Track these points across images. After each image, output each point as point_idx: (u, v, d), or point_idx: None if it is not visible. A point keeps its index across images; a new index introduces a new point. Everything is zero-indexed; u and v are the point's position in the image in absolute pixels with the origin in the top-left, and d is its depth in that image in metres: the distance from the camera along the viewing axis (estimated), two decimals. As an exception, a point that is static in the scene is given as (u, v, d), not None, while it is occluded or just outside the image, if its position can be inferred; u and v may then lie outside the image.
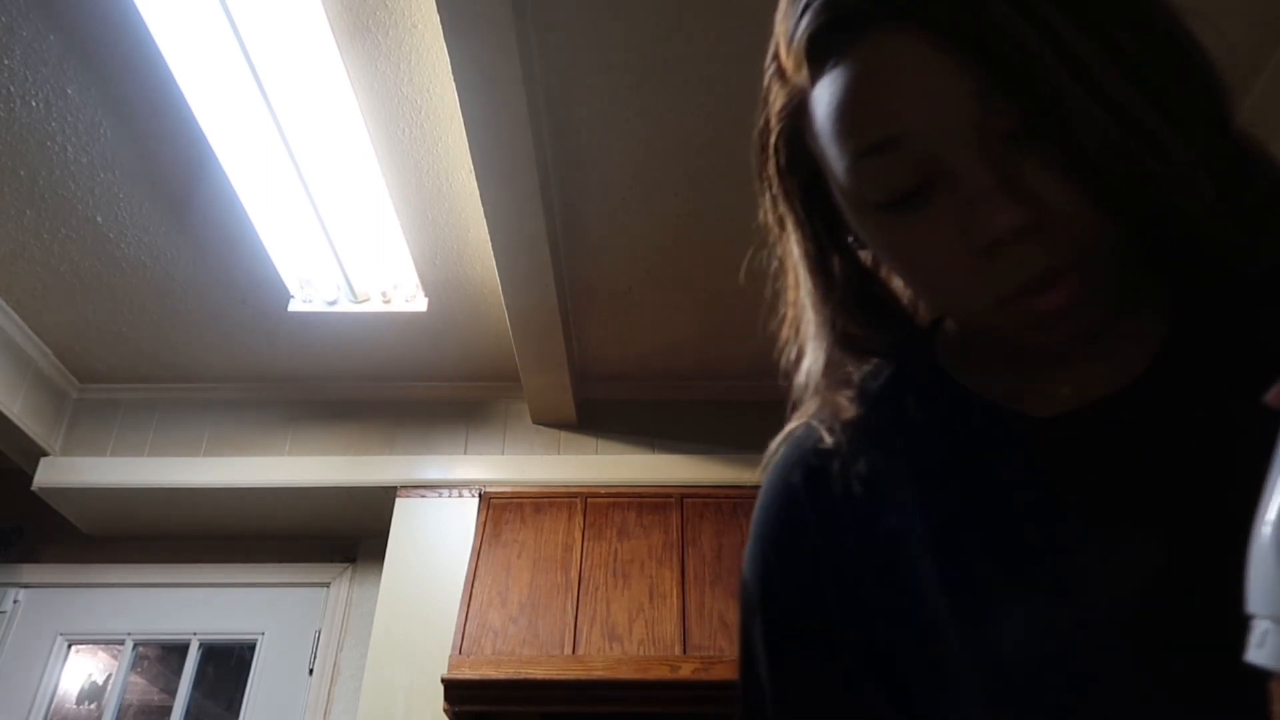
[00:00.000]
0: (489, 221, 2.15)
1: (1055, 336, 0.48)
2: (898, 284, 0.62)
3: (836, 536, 0.60)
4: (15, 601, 2.92)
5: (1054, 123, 0.43)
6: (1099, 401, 0.52)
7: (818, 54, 0.48)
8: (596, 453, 2.82)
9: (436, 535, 2.66)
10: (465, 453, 2.83)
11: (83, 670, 2.93)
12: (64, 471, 2.81)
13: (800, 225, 0.58)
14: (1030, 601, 0.49)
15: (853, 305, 0.59)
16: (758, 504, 0.66)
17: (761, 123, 0.56)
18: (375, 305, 2.58)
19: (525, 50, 1.80)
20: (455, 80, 1.82)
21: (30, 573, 2.97)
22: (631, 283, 2.51)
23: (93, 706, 2.86)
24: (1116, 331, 0.52)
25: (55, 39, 1.89)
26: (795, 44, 0.49)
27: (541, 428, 2.87)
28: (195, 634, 2.87)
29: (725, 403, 2.81)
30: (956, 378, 0.59)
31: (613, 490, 2.69)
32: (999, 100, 0.44)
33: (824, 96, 0.49)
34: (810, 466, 0.62)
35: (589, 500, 2.67)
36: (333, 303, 2.56)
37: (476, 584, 2.52)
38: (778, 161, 0.55)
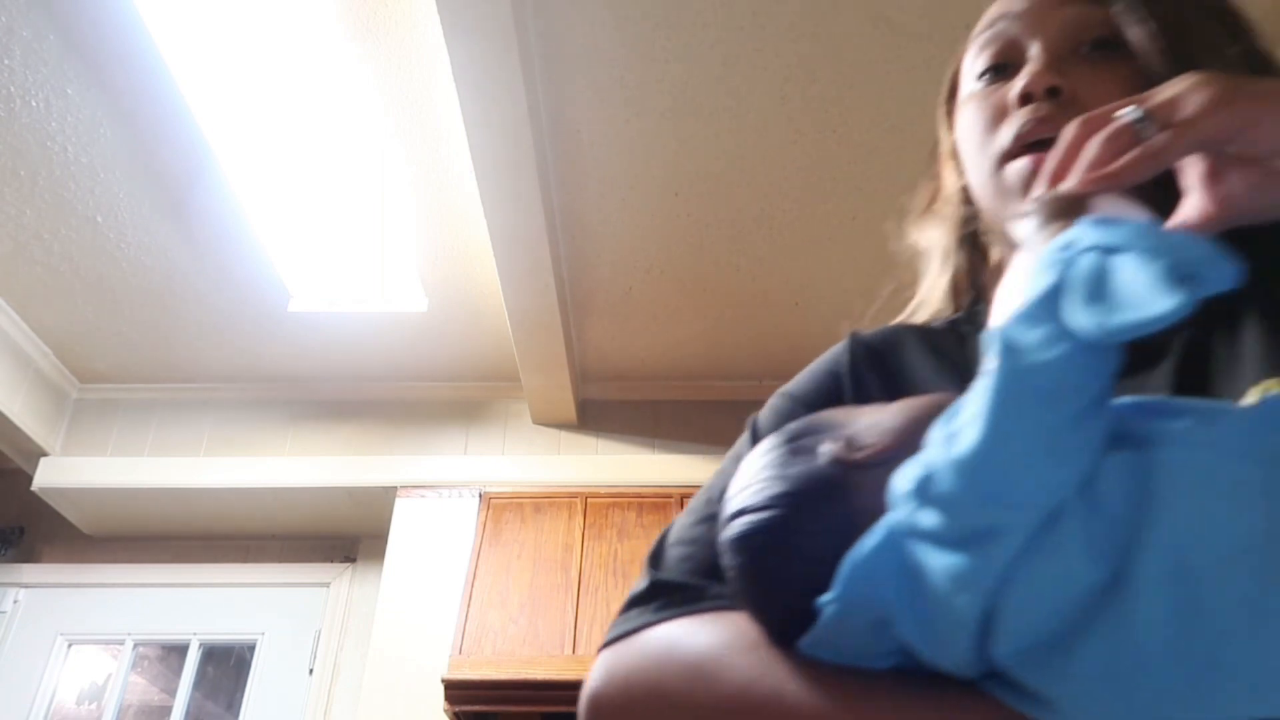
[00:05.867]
0: (489, 221, 2.15)
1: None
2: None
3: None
4: (15, 601, 2.92)
5: (1111, 48, 0.59)
6: None
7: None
8: (596, 453, 2.82)
9: (436, 535, 2.66)
10: (465, 453, 2.83)
11: (83, 670, 2.93)
12: (64, 471, 2.81)
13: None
14: None
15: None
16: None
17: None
18: (375, 305, 2.58)
19: (525, 50, 1.80)
20: (455, 80, 1.82)
21: (30, 573, 2.97)
22: (631, 283, 2.51)
23: (93, 706, 2.86)
24: None
25: (55, 39, 1.89)
26: None
27: (541, 428, 2.87)
28: (195, 634, 2.87)
29: (725, 403, 2.81)
30: None
31: (613, 490, 2.69)
32: (1082, 21, 0.60)
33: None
34: (866, 346, 0.68)
35: (589, 500, 2.67)
36: (333, 303, 2.56)
37: (476, 584, 2.52)
38: (951, 84, 0.73)
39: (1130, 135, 0.46)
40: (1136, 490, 0.37)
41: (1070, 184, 0.46)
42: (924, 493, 0.39)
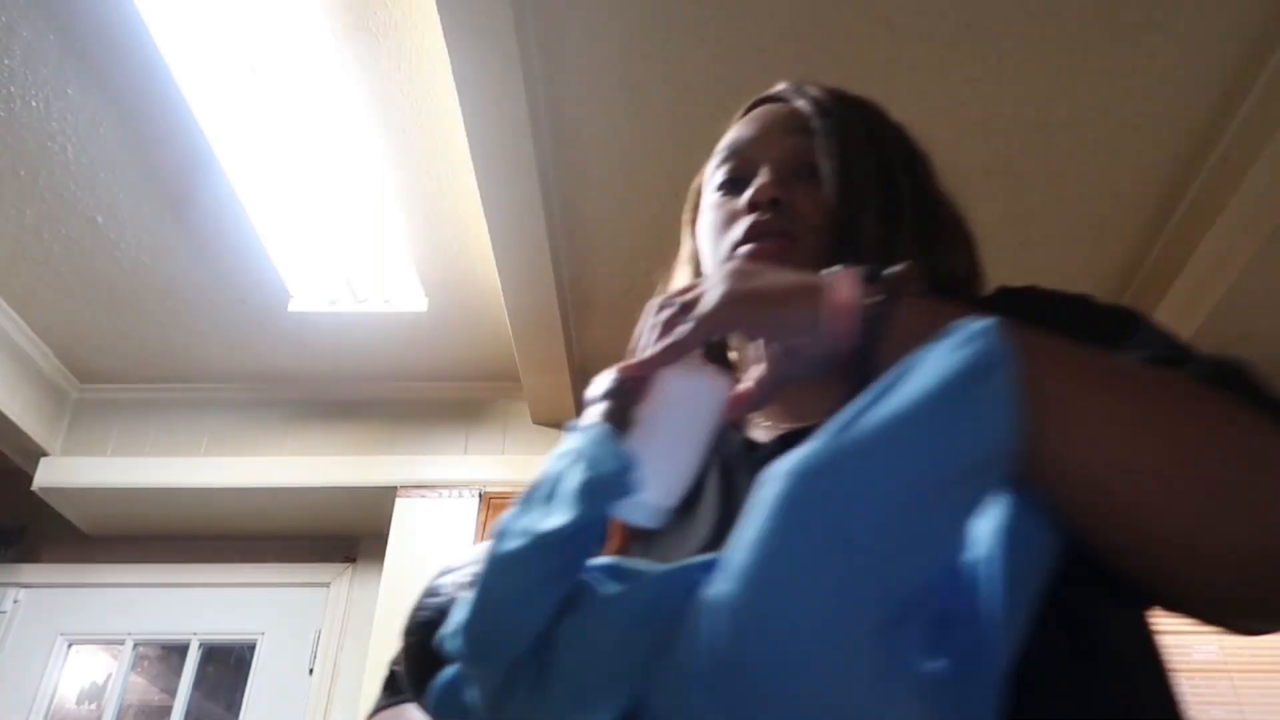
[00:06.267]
0: (489, 221, 2.15)
1: None
2: None
3: None
4: (15, 601, 2.92)
5: (816, 175, 0.73)
6: (794, 430, 0.67)
7: (744, 114, 0.84)
8: (596, 453, 2.81)
9: (436, 535, 2.66)
10: (465, 453, 2.83)
11: (83, 670, 2.93)
12: (64, 471, 2.81)
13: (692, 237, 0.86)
14: None
15: None
16: None
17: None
18: (375, 305, 2.58)
19: (525, 50, 1.80)
20: (455, 80, 1.82)
21: (30, 573, 2.97)
22: (631, 283, 2.50)
23: (93, 706, 2.86)
24: (830, 380, 0.67)
25: (55, 39, 1.89)
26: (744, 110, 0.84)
27: (541, 428, 2.86)
28: (195, 634, 2.87)
29: (725, 403, 2.80)
30: None
31: (613, 490, 2.69)
32: (799, 150, 0.75)
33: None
34: None
35: (589, 500, 2.67)
36: (333, 303, 2.56)
37: (476, 584, 2.52)
38: (695, 199, 0.85)
39: (668, 323, 0.57)
40: (570, 642, 0.49)
41: (613, 368, 0.59)
42: (447, 644, 0.51)
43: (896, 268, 0.55)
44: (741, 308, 0.56)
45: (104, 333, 2.72)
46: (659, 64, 1.91)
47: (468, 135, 1.93)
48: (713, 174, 0.80)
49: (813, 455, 0.43)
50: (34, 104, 2.02)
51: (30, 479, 2.79)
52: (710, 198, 0.79)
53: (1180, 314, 2.34)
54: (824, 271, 0.56)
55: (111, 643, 2.92)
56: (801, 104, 0.78)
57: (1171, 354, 0.55)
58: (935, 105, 1.95)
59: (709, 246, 0.77)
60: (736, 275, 0.56)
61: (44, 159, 2.14)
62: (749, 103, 0.85)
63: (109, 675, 2.89)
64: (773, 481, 0.43)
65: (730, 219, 0.74)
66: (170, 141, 2.10)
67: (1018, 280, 0.69)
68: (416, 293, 2.56)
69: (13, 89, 1.98)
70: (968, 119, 1.99)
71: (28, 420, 2.72)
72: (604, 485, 0.51)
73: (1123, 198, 2.20)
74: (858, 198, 0.71)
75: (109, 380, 2.91)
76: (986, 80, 1.91)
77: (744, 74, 1.91)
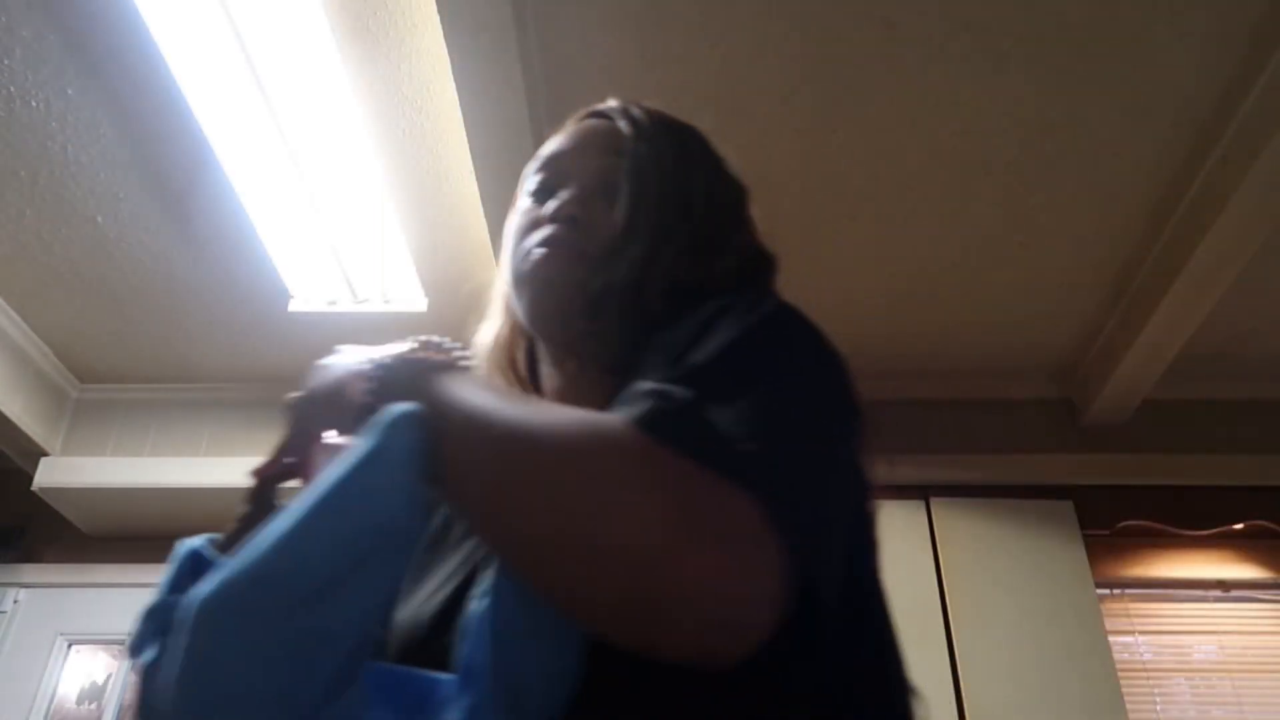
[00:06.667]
0: (489, 221, 2.15)
1: (543, 291, 0.77)
2: None
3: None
4: (15, 601, 2.91)
5: (613, 197, 0.77)
6: None
7: (572, 124, 0.89)
8: (596, 453, 2.81)
9: (436, 535, 2.66)
10: (465, 453, 2.83)
11: (83, 670, 2.93)
12: (64, 471, 2.81)
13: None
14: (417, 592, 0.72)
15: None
16: None
17: None
18: (375, 305, 2.57)
19: (525, 50, 1.80)
20: (455, 80, 1.82)
21: (30, 573, 2.97)
22: (631, 283, 2.51)
23: (93, 706, 2.86)
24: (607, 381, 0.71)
25: (55, 39, 1.89)
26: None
27: (541, 428, 2.86)
28: (195, 634, 2.87)
29: (725, 403, 2.80)
30: None
31: (613, 490, 2.68)
32: (607, 170, 0.79)
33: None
34: None
35: (589, 500, 2.66)
36: (333, 303, 2.56)
37: (476, 584, 2.52)
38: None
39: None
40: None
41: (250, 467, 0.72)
42: None
43: (396, 352, 0.58)
44: (309, 410, 0.65)
45: (104, 333, 2.72)
46: (659, 64, 1.91)
47: (468, 135, 1.93)
48: (527, 182, 0.85)
49: (217, 582, 0.48)
50: (34, 104, 2.02)
51: (30, 479, 2.78)
52: (521, 202, 0.84)
53: (1180, 314, 2.34)
54: (346, 364, 0.62)
55: (111, 643, 2.91)
56: (623, 125, 0.85)
57: (661, 386, 0.54)
58: (935, 105, 1.95)
59: (509, 248, 0.83)
60: (313, 377, 0.63)
61: (44, 159, 2.14)
62: (580, 113, 0.91)
63: (109, 675, 2.89)
64: (186, 607, 0.48)
65: (532, 226, 0.80)
66: (170, 141, 2.10)
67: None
68: (416, 293, 2.56)
69: (13, 89, 1.98)
70: (968, 119, 1.99)
71: (28, 420, 2.72)
72: (158, 608, 0.66)
73: (1123, 198, 2.20)
74: (644, 223, 0.75)
75: (109, 380, 2.91)
76: (986, 80, 1.91)
77: (744, 74, 1.91)
